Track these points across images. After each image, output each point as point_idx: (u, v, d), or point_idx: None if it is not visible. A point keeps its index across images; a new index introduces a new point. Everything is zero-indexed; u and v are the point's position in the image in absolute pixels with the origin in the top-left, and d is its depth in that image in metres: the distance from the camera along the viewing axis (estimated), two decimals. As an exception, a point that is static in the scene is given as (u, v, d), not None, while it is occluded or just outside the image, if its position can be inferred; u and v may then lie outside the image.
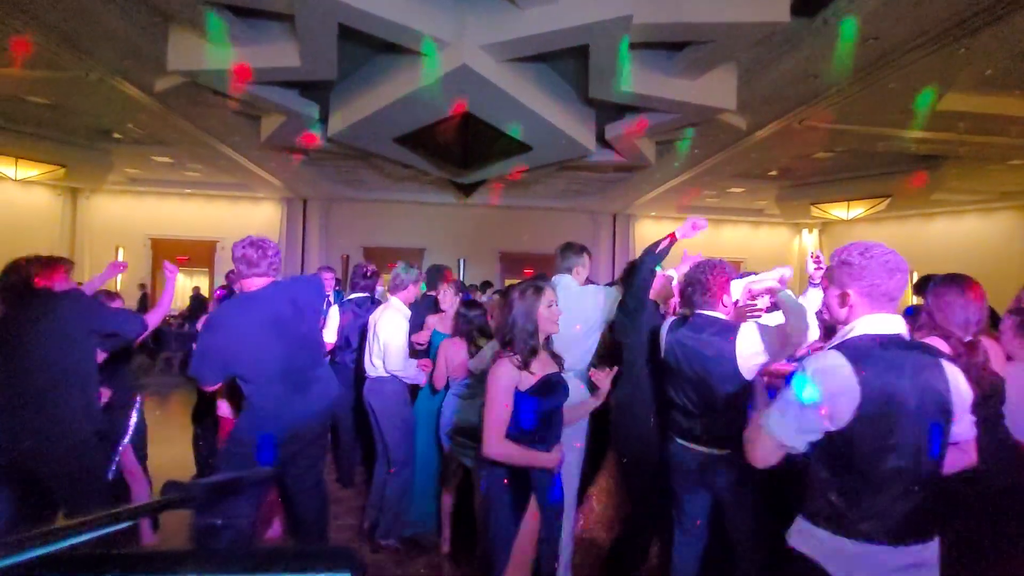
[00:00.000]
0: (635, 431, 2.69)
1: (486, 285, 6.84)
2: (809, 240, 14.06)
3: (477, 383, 2.82)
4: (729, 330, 2.32)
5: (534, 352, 2.01)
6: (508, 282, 13.14)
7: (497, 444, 1.93)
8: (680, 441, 2.40)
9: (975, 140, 7.48)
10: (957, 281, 2.20)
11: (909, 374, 1.51)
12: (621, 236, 13.49)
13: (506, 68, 5.26)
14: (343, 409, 3.86)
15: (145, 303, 11.48)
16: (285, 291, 2.52)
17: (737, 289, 2.51)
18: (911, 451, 1.50)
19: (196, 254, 12.90)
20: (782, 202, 11.45)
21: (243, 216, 13.04)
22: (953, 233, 11.87)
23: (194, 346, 2.49)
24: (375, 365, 3.19)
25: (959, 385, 1.58)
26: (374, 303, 4.03)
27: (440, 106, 5.91)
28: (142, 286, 12.18)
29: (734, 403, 2.30)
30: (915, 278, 12.86)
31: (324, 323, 3.82)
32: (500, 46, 4.88)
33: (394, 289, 3.33)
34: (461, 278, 12.79)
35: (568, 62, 5.60)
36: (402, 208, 13.03)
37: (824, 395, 1.48)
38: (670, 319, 2.56)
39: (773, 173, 10.03)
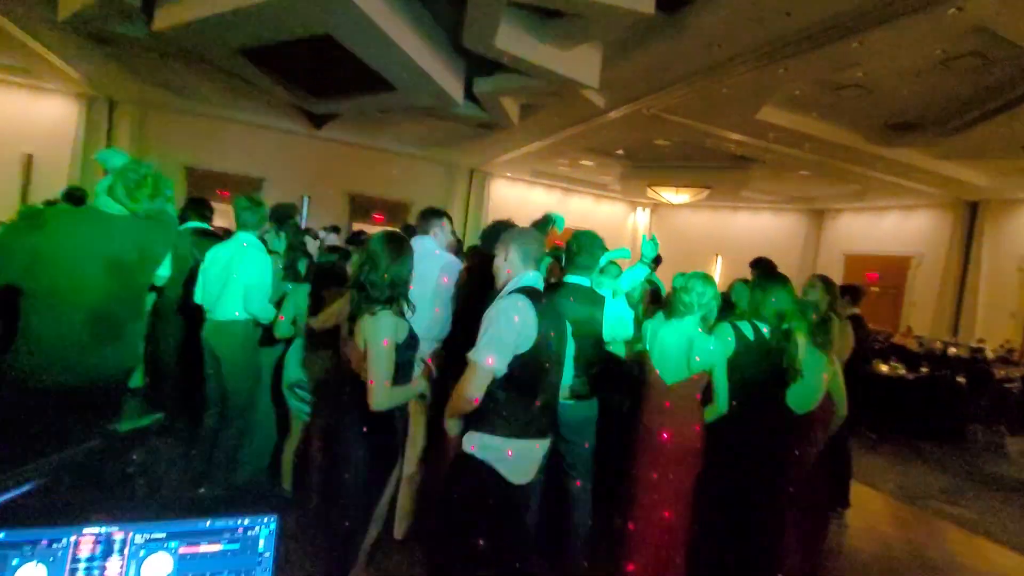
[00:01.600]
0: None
1: (334, 229, 6.44)
2: (642, 218, 15.54)
3: (324, 336, 2.70)
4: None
5: (404, 307, 2.02)
6: (356, 226, 12.55)
7: (386, 396, 1.96)
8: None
9: (779, 150, 8.83)
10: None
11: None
12: (476, 192, 13.58)
13: (378, -3, 4.89)
14: (167, 350, 3.43)
15: None
16: (138, 232, 2.16)
17: None
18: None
19: (-51, 148, 10.17)
20: (624, 180, 12.44)
21: (22, 110, 10.47)
22: (752, 225, 14.02)
23: None
24: (226, 306, 2.86)
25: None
26: (210, 236, 3.59)
27: (299, 24, 5.31)
28: None
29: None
30: (720, 261, 14.82)
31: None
32: (374, -29, 4.51)
33: (244, 225, 2.98)
34: (304, 218, 11.91)
35: (444, 6, 5.37)
36: (239, 129, 11.55)
37: (518, 324, 1.91)
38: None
39: (620, 152, 10.83)
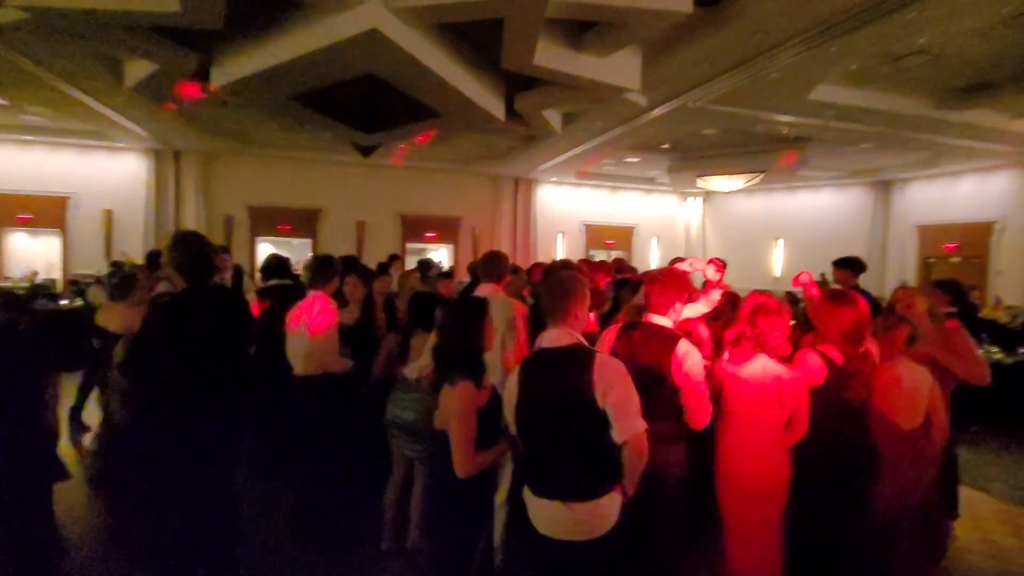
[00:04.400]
0: None
1: (393, 259, 6.57)
2: (694, 208, 15.14)
3: (414, 382, 2.81)
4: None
5: (484, 370, 2.06)
6: (409, 246, 12.86)
7: (470, 463, 2.00)
8: None
9: (837, 126, 8.40)
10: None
11: None
12: (523, 200, 13.62)
13: (418, 34, 5.00)
14: (264, 402, 3.63)
15: None
16: (222, 301, 2.40)
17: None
18: None
19: (41, 212, 11.12)
20: (672, 172, 12.16)
21: (99, 169, 11.36)
22: (813, 204, 13.39)
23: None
24: (304, 363, 3.02)
25: None
26: (293, 293, 3.76)
27: (345, 68, 5.51)
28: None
29: None
30: (781, 244, 14.26)
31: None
32: (413, 11, 4.61)
33: (314, 281, 3.12)
34: (361, 244, 12.30)
35: (481, 31, 5.44)
36: (294, 165, 12.11)
37: None
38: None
39: (666, 146, 10.60)
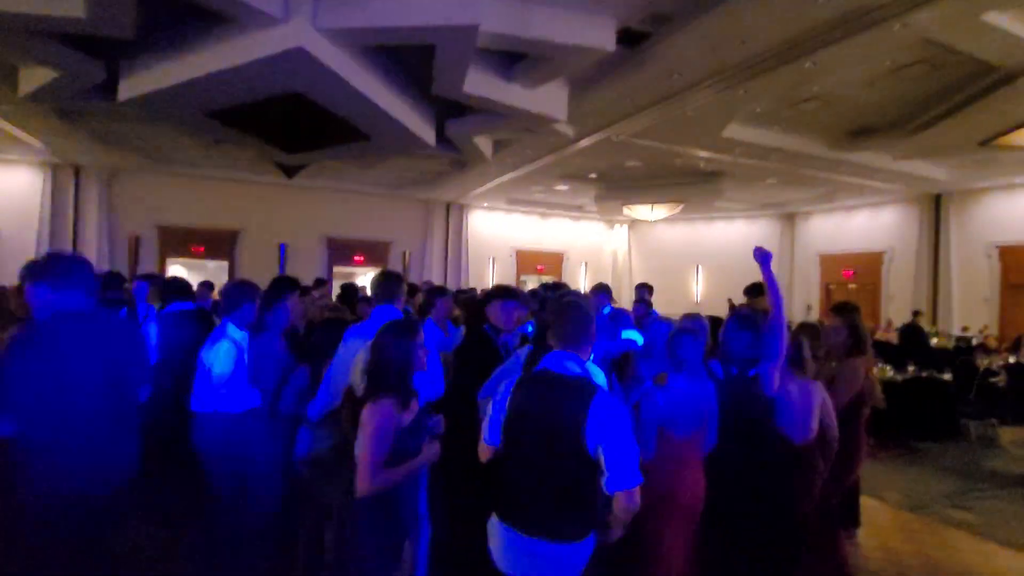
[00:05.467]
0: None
1: (320, 283, 6.31)
2: (620, 235, 15.71)
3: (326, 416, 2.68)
4: None
5: (411, 393, 2.01)
6: (336, 270, 12.48)
7: (374, 478, 1.89)
8: None
9: (746, 163, 9.06)
10: None
11: None
12: (455, 225, 13.63)
13: (347, 55, 4.94)
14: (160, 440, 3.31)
15: None
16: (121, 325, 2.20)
17: None
18: None
19: (-87, 229, 9.92)
20: (599, 201, 12.60)
21: (-16, 183, 10.32)
22: (728, 234, 14.27)
23: None
24: (200, 399, 2.78)
25: None
26: (198, 319, 3.48)
27: (268, 85, 5.34)
28: None
29: None
30: (700, 270, 14.98)
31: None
32: (342, 32, 4.56)
33: (226, 310, 2.89)
34: (282, 265, 11.81)
35: (412, 56, 5.45)
36: (211, 183, 11.50)
37: None
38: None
39: (593, 176, 10.99)
